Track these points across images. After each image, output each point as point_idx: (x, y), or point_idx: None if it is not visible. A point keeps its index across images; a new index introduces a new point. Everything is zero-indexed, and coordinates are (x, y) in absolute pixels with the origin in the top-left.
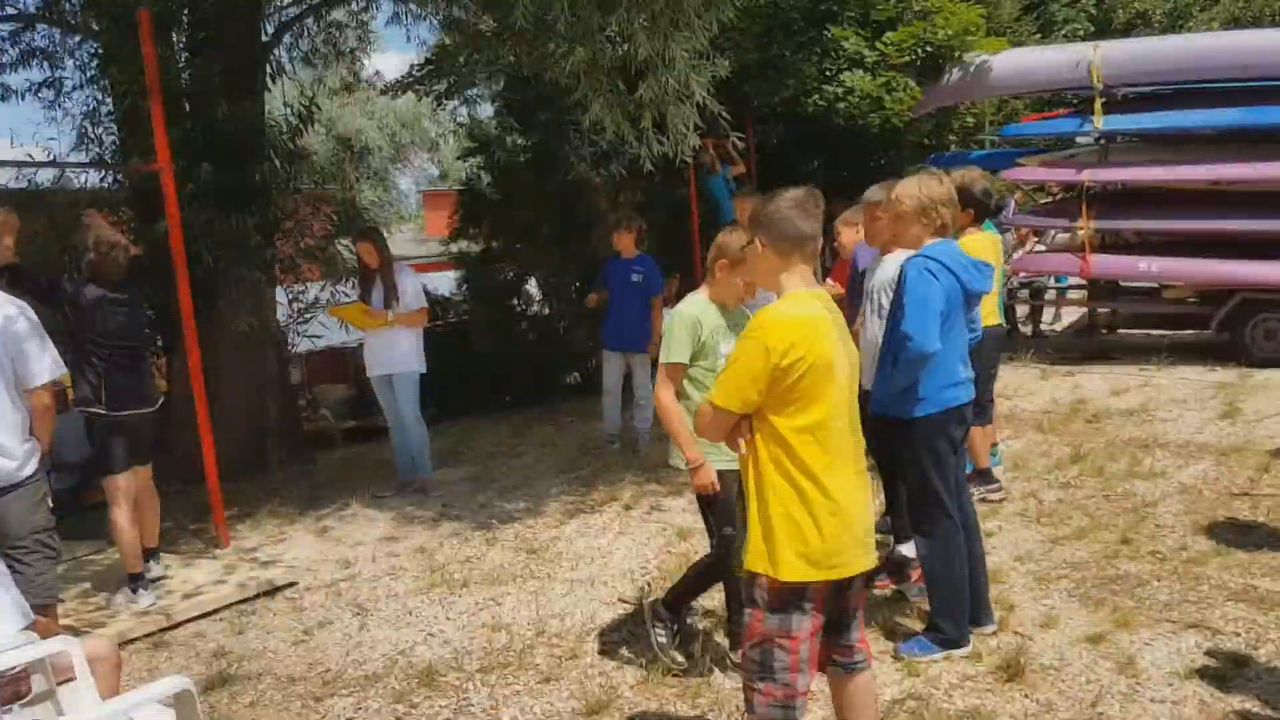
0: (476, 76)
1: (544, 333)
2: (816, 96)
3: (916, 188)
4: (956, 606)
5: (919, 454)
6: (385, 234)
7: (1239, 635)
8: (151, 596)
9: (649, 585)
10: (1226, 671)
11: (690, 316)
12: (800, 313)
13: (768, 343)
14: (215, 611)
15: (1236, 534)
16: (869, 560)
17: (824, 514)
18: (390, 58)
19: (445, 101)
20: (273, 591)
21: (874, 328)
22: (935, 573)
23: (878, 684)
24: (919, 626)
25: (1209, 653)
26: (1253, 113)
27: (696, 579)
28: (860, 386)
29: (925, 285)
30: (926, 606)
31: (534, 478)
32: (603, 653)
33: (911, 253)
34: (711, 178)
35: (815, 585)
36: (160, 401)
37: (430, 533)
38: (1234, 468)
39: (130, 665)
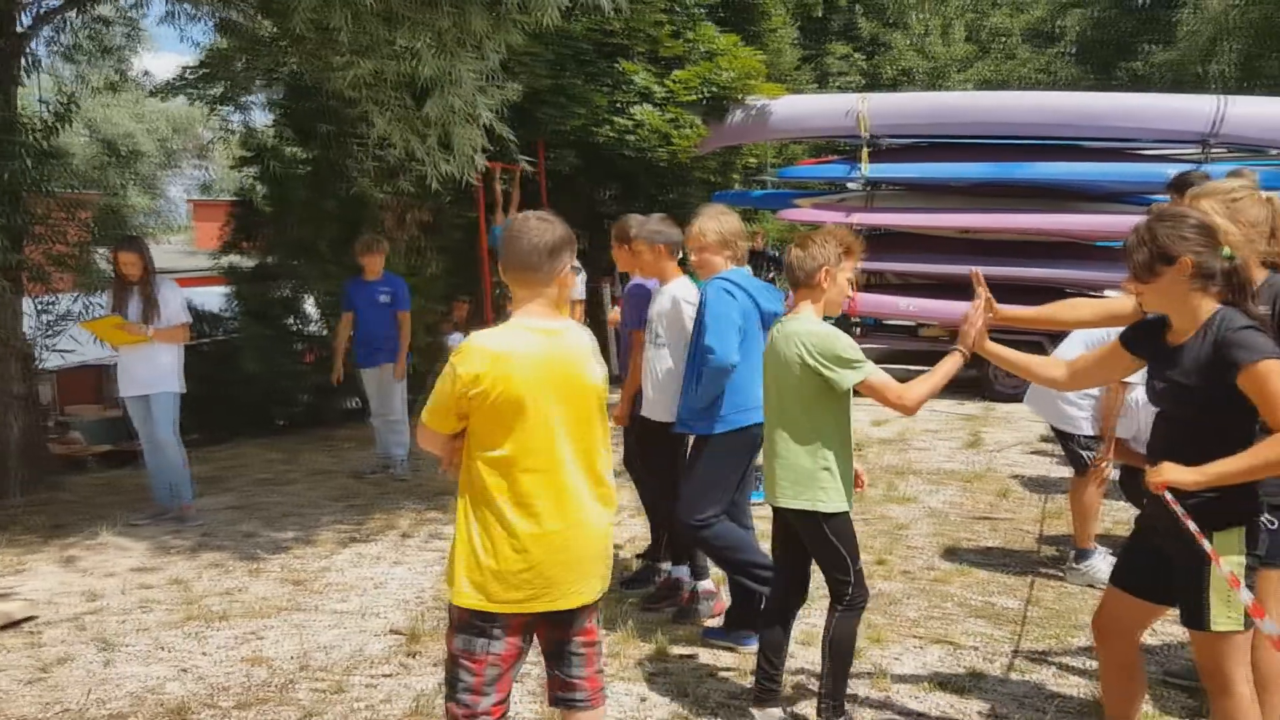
0: (254, 83)
1: (321, 354)
2: (608, 127)
3: (718, 222)
4: (764, 578)
5: (706, 466)
6: (152, 244)
7: (977, 649)
8: None
9: (423, 615)
10: (966, 683)
11: (847, 336)
12: (495, 345)
13: (458, 370)
14: None
15: (977, 555)
16: (568, 601)
17: (506, 549)
18: (165, 58)
19: (220, 107)
20: (8, 626)
21: (653, 358)
22: (734, 559)
23: (647, 705)
24: (695, 648)
25: (951, 666)
26: (1000, 167)
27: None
28: (643, 418)
29: (723, 303)
30: (709, 623)
31: (304, 506)
32: (370, 686)
33: (680, 283)
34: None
35: (503, 614)
36: None
37: (188, 563)
38: (976, 493)
39: None
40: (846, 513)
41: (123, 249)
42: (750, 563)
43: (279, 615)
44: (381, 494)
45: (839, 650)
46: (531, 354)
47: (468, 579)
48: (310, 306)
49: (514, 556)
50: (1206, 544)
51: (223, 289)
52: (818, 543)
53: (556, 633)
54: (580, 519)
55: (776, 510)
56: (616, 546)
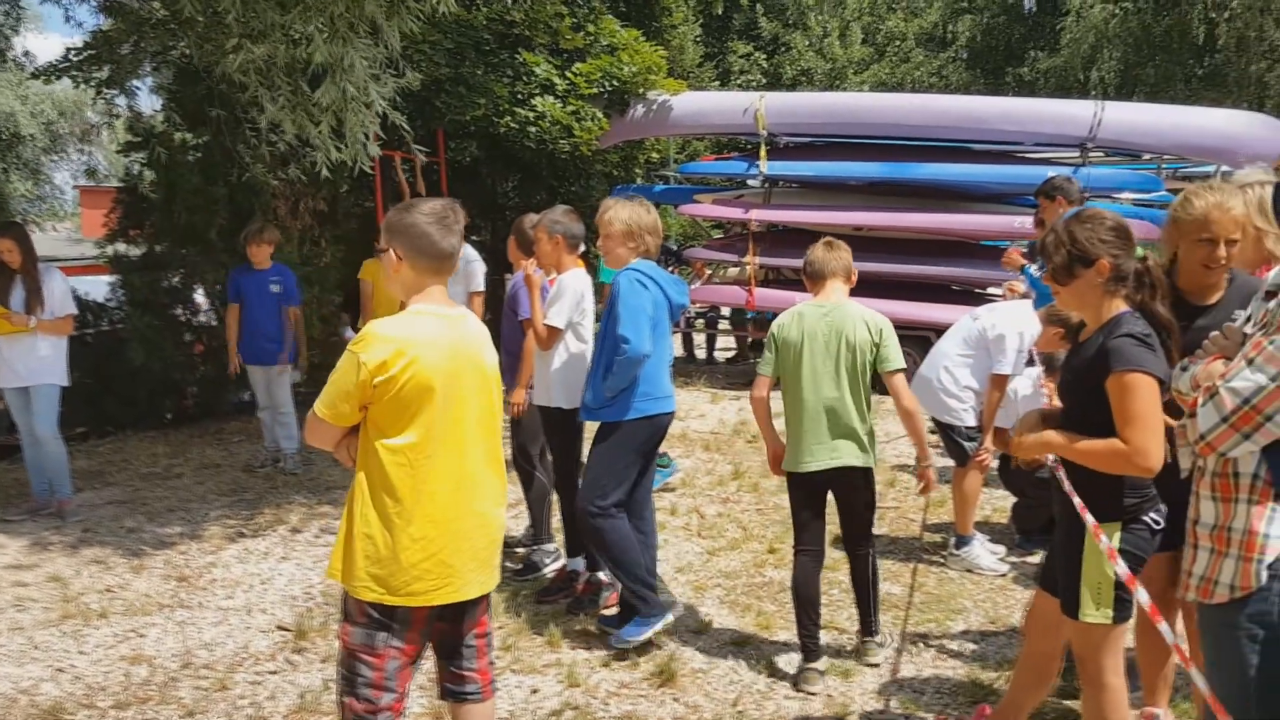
0: (142, 67)
1: (211, 344)
2: (509, 118)
3: (627, 213)
4: (644, 585)
5: (608, 453)
6: (37, 232)
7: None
8: None
9: (311, 610)
10: (850, 668)
11: None
12: (402, 331)
13: (362, 357)
14: None
15: None
16: (470, 591)
17: (405, 540)
18: (52, 39)
19: (106, 91)
20: None
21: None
22: (615, 560)
23: (539, 697)
24: (588, 639)
25: (837, 651)
26: (893, 167)
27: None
28: (538, 405)
29: (636, 294)
30: (606, 612)
31: (191, 500)
32: (254, 683)
33: (574, 274)
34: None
35: (404, 607)
36: None
37: (67, 560)
38: None
39: None
40: None
41: (0, 235)
42: (631, 564)
43: (161, 612)
44: (271, 488)
45: (877, 581)
46: (437, 340)
47: (368, 572)
48: (200, 296)
49: (414, 547)
50: (1090, 518)
51: (109, 278)
52: (861, 494)
53: (451, 627)
54: (480, 508)
55: (807, 477)
56: (509, 538)
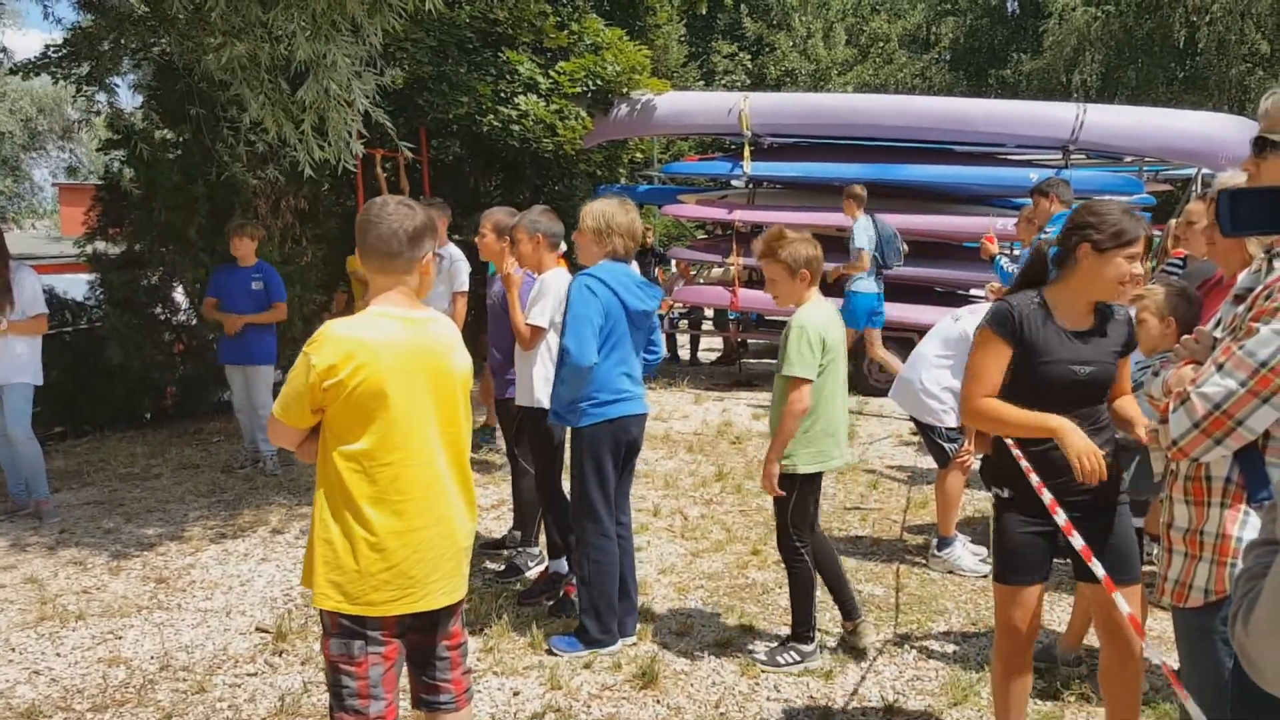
0: (122, 63)
1: (191, 344)
2: (492, 116)
3: (600, 209)
4: (605, 609)
5: (581, 462)
6: (15, 229)
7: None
8: None
9: (291, 612)
10: (832, 669)
11: None
12: (356, 333)
13: (312, 359)
14: None
15: (847, 543)
16: (435, 601)
17: (364, 548)
18: (32, 35)
19: (86, 87)
20: None
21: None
22: (586, 577)
23: (520, 699)
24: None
25: (819, 652)
26: (875, 168)
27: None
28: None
29: (584, 303)
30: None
31: (170, 501)
32: (233, 685)
33: (555, 274)
34: None
35: (372, 616)
36: None
37: (44, 561)
38: (849, 485)
39: None
40: None
41: None
42: (606, 586)
43: (139, 614)
44: (251, 489)
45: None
46: (393, 343)
47: (328, 581)
48: (180, 295)
49: (373, 556)
50: (1047, 494)
51: (89, 276)
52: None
53: (422, 638)
54: (445, 515)
55: (820, 475)
56: (495, 540)
